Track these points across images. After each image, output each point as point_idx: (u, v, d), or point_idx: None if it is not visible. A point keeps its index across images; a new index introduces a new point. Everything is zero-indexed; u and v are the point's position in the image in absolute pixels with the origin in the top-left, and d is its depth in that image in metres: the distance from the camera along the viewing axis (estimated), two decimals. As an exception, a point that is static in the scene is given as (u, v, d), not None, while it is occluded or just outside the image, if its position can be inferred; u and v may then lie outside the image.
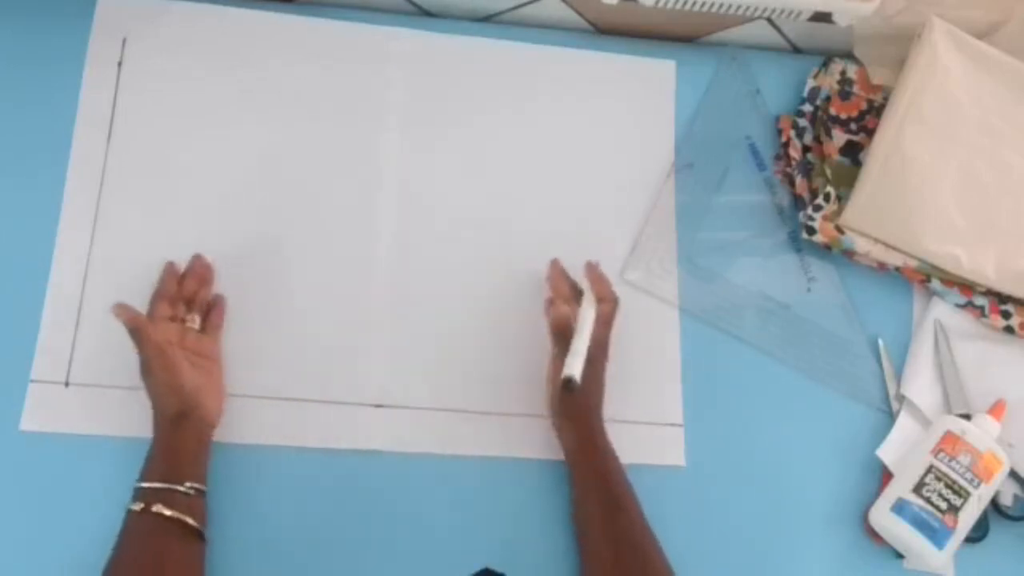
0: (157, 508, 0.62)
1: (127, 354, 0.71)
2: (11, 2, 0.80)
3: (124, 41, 0.81)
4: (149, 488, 0.63)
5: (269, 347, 0.75)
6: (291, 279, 0.78)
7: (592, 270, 0.77)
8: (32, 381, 0.71)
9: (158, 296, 0.71)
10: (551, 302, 0.75)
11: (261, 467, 0.72)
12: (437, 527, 0.73)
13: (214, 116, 0.81)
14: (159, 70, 0.81)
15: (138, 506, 0.62)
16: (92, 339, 0.73)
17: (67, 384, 0.72)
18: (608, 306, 0.74)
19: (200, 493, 0.65)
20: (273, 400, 0.73)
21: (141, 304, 0.70)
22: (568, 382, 0.67)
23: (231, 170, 0.79)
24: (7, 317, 0.72)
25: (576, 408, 0.72)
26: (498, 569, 0.61)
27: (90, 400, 0.71)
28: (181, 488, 0.64)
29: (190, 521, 0.63)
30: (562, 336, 0.71)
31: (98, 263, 0.75)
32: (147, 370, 0.67)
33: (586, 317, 0.72)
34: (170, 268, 0.73)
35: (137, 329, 0.67)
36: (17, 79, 0.78)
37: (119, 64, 0.80)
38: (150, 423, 0.68)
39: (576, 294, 0.76)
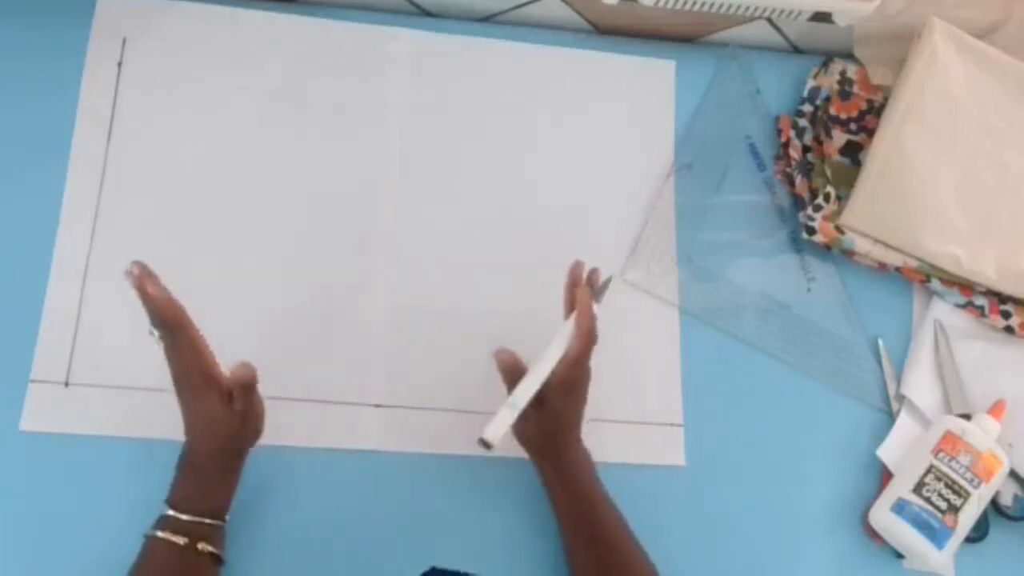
0: (202, 546, 0.61)
1: (127, 354, 0.71)
2: (11, 2, 0.80)
3: (124, 41, 0.81)
4: (188, 520, 0.61)
5: (269, 347, 0.75)
6: (290, 279, 0.78)
7: (581, 295, 0.67)
8: (32, 381, 0.71)
9: (187, 323, 0.60)
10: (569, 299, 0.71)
11: (260, 467, 0.72)
12: (436, 527, 0.73)
13: (214, 116, 0.81)
14: (159, 70, 0.81)
15: (181, 540, 0.60)
16: (92, 339, 0.73)
17: (67, 384, 0.72)
18: (580, 343, 0.65)
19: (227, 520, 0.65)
20: (273, 400, 0.73)
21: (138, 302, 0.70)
22: (482, 444, 0.63)
23: (231, 170, 0.79)
24: (7, 317, 0.72)
25: (546, 448, 0.70)
26: (450, 568, 0.60)
27: (90, 400, 0.71)
28: (223, 524, 0.64)
29: (222, 556, 0.63)
30: (511, 382, 0.67)
31: (98, 264, 0.75)
32: (244, 417, 0.63)
33: (547, 359, 0.65)
34: (158, 288, 0.59)
35: (252, 386, 0.63)
36: (17, 79, 0.78)
37: (119, 64, 0.80)
38: (150, 423, 0.68)
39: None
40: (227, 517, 0.65)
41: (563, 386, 0.67)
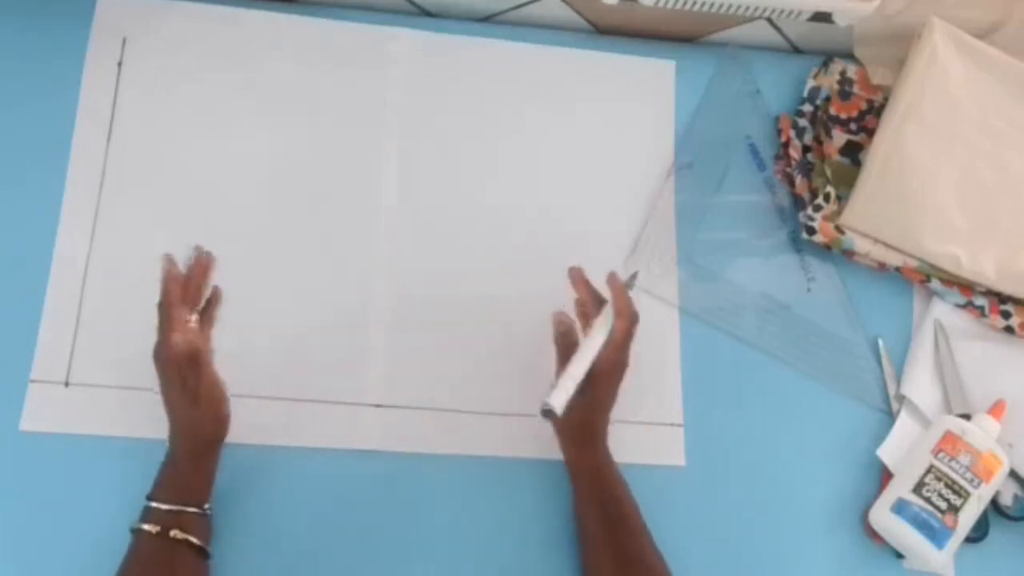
0: (174, 533, 0.62)
1: (127, 354, 0.71)
2: (11, 2, 0.80)
3: (124, 41, 0.81)
4: (165, 510, 0.62)
5: (269, 347, 0.75)
6: (291, 279, 0.78)
7: (613, 281, 0.70)
8: (32, 381, 0.71)
9: (173, 303, 0.64)
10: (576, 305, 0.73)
11: (260, 467, 0.72)
12: (437, 527, 0.73)
13: (214, 116, 0.81)
14: (159, 70, 0.81)
15: (154, 528, 0.61)
16: (92, 339, 0.73)
17: (67, 384, 0.72)
18: (623, 323, 0.67)
19: (208, 510, 0.65)
20: (273, 400, 0.73)
21: (143, 303, 0.70)
22: (546, 413, 0.63)
23: (231, 170, 0.79)
24: (7, 317, 0.72)
25: (580, 431, 0.71)
26: None
27: (90, 400, 0.71)
28: (199, 511, 0.64)
29: (203, 545, 0.63)
30: (564, 349, 0.69)
31: (98, 263, 0.75)
32: (194, 397, 0.64)
33: (594, 338, 0.67)
34: (173, 269, 0.67)
35: (199, 358, 0.63)
36: (17, 79, 0.78)
37: (119, 64, 0.80)
38: (150, 423, 0.68)
39: (597, 302, 0.72)
40: (207, 508, 0.65)
41: (607, 370, 0.67)
